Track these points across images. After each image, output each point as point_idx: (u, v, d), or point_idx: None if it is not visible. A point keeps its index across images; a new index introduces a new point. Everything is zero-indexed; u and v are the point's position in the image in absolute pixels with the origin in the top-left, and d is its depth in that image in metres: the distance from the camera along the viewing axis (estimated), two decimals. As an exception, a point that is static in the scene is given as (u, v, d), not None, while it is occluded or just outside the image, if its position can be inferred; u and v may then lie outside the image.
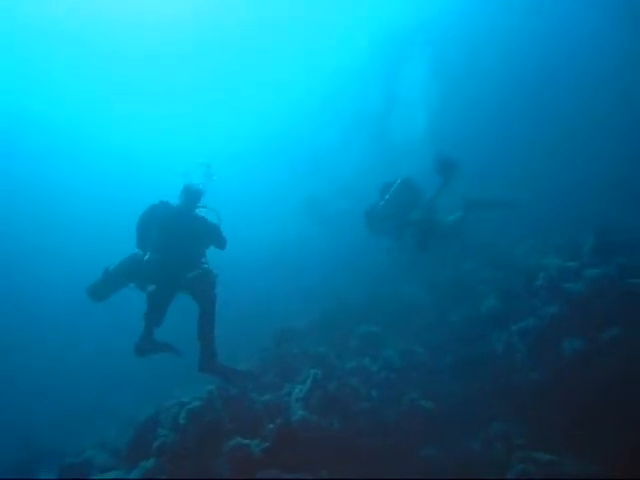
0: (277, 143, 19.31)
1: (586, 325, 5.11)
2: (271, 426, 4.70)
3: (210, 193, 5.36)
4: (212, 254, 5.33)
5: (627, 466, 4.05)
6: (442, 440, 5.17)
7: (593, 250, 5.70)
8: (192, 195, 5.08)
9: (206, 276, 4.94)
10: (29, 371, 10.99)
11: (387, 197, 6.80)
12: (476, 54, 13.37)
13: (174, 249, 4.84)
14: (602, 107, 10.94)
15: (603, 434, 4.46)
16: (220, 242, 5.17)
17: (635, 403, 4.46)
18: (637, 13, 11.82)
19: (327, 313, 8.89)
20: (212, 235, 5.14)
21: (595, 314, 5.11)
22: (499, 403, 5.39)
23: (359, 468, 4.73)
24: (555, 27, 12.89)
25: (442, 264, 8.80)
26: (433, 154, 6.87)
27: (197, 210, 5.16)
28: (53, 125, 20.56)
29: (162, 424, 5.09)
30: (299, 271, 11.56)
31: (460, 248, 7.81)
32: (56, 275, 14.62)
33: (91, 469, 5.00)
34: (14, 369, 11.00)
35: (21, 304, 14.22)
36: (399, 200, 6.76)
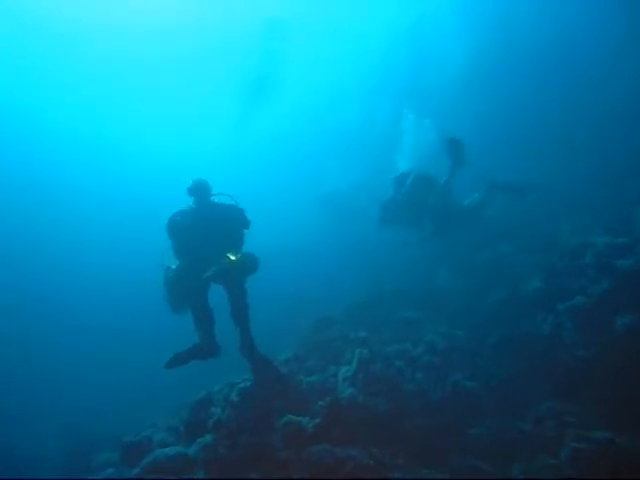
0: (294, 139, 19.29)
1: (638, 301, 4.98)
2: (321, 403, 4.82)
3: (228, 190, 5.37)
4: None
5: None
6: (490, 420, 5.16)
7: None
8: (200, 188, 5.03)
9: (232, 265, 4.81)
10: (75, 365, 11.52)
11: (404, 190, 6.87)
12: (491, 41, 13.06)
13: (202, 248, 4.85)
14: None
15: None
16: (243, 222, 5.08)
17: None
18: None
19: (362, 301, 8.95)
20: (234, 217, 5.05)
21: (647, 290, 4.98)
22: (547, 382, 5.32)
23: (409, 447, 4.78)
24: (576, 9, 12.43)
25: (477, 247, 8.72)
26: (441, 138, 6.92)
27: (212, 199, 5.11)
28: (53, 123, 20.56)
29: (215, 403, 5.29)
30: (327, 264, 11.63)
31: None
32: (106, 271, 15.14)
33: (151, 446, 5.25)
34: (61, 362, 11.57)
35: (62, 300, 14.80)
36: (416, 191, 6.84)
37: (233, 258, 4.82)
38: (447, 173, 6.98)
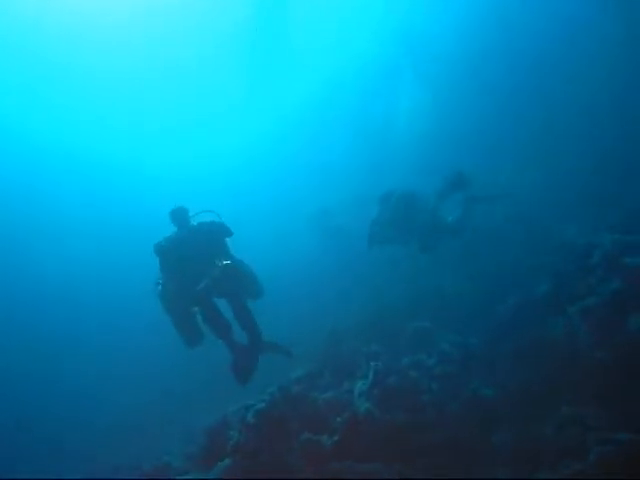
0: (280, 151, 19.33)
1: (651, 299, 4.96)
2: (338, 420, 4.76)
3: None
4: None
5: None
6: (510, 427, 5.09)
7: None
8: (179, 214, 5.27)
9: (224, 274, 4.91)
10: (87, 388, 11.45)
11: (389, 209, 7.01)
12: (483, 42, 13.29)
13: (190, 265, 4.99)
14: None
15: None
16: (225, 231, 5.24)
17: None
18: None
19: (370, 314, 8.91)
20: (216, 231, 5.23)
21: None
22: (566, 386, 5.25)
23: (431, 459, 4.71)
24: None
25: (483, 254, 8.74)
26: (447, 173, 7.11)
27: (192, 220, 5.30)
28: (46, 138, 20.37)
29: (231, 426, 5.23)
30: (329, 280, 11.62)
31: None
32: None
33: (170, 473, 5.17)
34: (74, 387, 11.51)
35: (70, 317, 14.78)
36: (401, 209, 6.98)
37: (225, 262, 5.00)
38: (441, 192, 7.13)
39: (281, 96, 19.68)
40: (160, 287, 4.99)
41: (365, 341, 7.67)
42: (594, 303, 5.23)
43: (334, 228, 13.52)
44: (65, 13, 16.65)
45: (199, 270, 4.99)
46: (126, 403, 9.94)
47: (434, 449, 4.81)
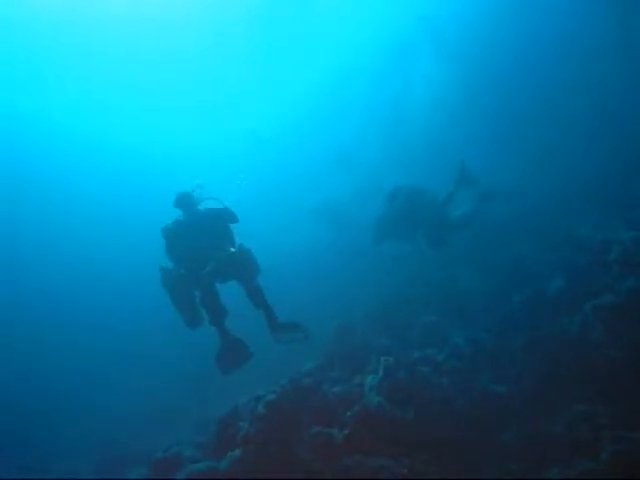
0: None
1: (669, 297, 4.87)
2: (349, 414, 4.79)
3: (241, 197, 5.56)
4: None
5: None
6: (521, 424, 5.07)
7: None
8: (184, 200, 5.26)
9: (233, 257, 5.00)
10: (100, 381, 11.68)
11: (395, 206, 6.98)
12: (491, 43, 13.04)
13: (196, 250, 5.03)
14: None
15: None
16: (231, 217, 5.29)
17: None
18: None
19: (380, 307, 8.89)
20: (222, 217, 5.27)
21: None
22: (577, 383, 5.21)
23: (440, 454, 4.72)
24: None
25: (495, 247, 8.63)
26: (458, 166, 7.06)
27: (199, 207, 5.32)
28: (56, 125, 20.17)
29: (242, 418, 5.29)
30: (338, 272, 11.60)
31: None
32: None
33: (181, 462, 5.27)
34: (86, 377, 11.76)
35: (88, 313, 15.01)
36: (408, 206, 6.97)
37: (231, 250, 5.06)
38: (450, 189, 7.08)
39: (294, 82, 19.51)
40: (164, 269, 5.04)
41: (375, 334, 7.68)
42: (610, 301, 5.14)
43: (343, 220, 13.49)
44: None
45: (204, 254, 5.03)
46: (137, 392, 10.12)
47: (443, 445, 4.82)
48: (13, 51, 17.54)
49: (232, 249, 5.09)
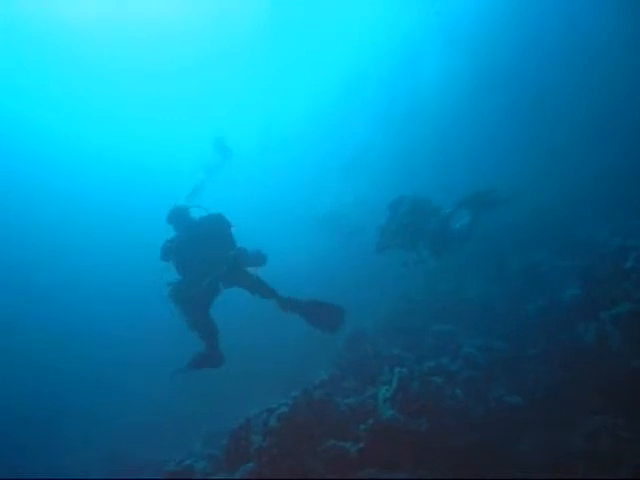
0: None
1: (689, 306, 4.75)
2: (362, 426, 4.73)
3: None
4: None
5: None
6: (537, 435, 4.96)
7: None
8: (176, 216, 5.27)
9: (232, 267, 5.03)
10: (111, 390, 11.73)
11: (398, 216, 6.96)
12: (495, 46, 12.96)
13: (200, 260, 5.05)
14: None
15: None
16: (225, 224, 5.25)
17: None
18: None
19: (391, 315, 8.83)
20: (218, 224, 5.23)
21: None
22: (596, 394, 5.09)
23: (455, 467, 4.64)
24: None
25: (509, 254, 8.53)
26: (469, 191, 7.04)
27: (192, 216, 5.32)
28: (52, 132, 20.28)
29: (254, 430, 5.26)
30: (345, 281, 11.55)
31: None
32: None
33: (193, 475, 5.25)
34: (96, 387, 11.82)
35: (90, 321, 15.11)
36: (410, 216, 6.95)
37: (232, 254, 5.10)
38: (453, 207, 7.07)
39: (302, 88, 19.54)
40: (174, 288, 5.06)
41: (386, 343, 7.61)
42: (629, 309, 5.03)
43: (351, 228, 13.44)
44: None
45: (208, 266, 5.06)
46: (147, 403, 10.14)
47: (459, 457, 4.74)
48: (14, 59, 17.77)
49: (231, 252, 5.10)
